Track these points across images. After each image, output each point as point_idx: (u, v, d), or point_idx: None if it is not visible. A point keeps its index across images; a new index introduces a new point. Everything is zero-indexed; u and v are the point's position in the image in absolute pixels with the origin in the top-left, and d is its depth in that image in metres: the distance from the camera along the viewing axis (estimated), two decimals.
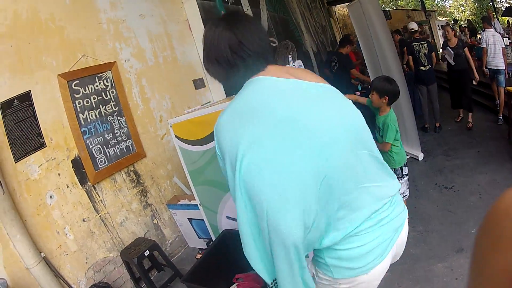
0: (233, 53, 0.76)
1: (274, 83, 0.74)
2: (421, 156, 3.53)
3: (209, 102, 2.55)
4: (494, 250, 0.28)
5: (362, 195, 0.74)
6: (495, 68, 4.25)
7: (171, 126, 1.91)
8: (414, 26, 4.17)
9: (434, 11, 16.75)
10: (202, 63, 0.87)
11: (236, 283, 1.85)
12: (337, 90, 0.85)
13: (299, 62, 2.03)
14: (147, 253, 2.06)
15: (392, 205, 0.82)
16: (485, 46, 4.29)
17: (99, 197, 2.02)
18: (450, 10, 19.64)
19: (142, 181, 2.29)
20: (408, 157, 3.57)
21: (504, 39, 5.66)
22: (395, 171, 2.26)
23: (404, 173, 2.32)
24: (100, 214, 2.01)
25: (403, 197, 2.23)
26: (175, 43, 2.72)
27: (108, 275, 1.97)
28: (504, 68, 4.26)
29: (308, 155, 0.67)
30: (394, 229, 0.82)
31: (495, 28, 4.90)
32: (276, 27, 4.98)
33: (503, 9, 10.48)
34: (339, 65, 4.27)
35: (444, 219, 2.48)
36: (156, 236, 2.31)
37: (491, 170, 3.08)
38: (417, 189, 2.90)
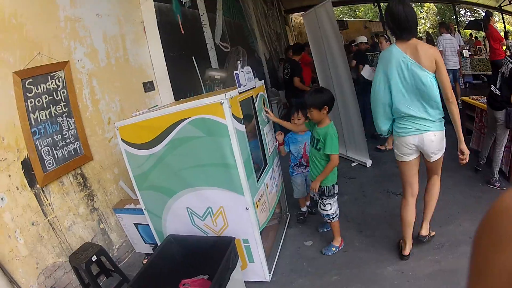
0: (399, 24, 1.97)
1: (397, 50, 2.00)
2: (369, 163, 4.23)
3: (157, 105, 2.88)
4: (494, 250, 0.30)
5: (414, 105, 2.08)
6: (453, 68, 5.66)
7: (117, 129, 2.19)
8: (363, 39, 5.18)
9: None
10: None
11: None
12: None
13: (247, 69, 2.45)
14: (94, 258, 2.35)
15: (415, 120, 2.13)
16: (441, 49, 5.57)
17: (47, 200, 2.29)
18: None
19: (89, 185, 2.57)
20: (355, 163, 4.29)
21: (464, 51, 7.51)
22: (327, 189, 2.49)
23: (335, 192, 2.55)
24: (48, 218, 2.28)
25: (336, 216, 2.60)
26: (129, 45, 3.06)
27: (59, 281, 2.26)
28: (459, 67, 5.85)
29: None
30: (417, 128, 2.14)
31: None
32: (230, 32, 5.70)
33: (467, 22, 12.59)
34: (291, 72, 4.89)
35: (393, 224, 2.96)
36: (103, 241, 2.61)
37: (442, 177, 3.73)
38: (364, 195, 3.51)
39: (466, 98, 4.41)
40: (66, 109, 2.54)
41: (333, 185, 2.52)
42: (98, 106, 2.76)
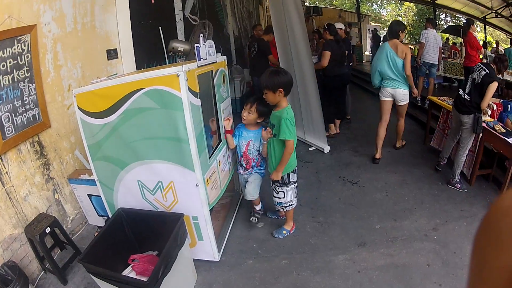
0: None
1: (387, 44, 4.14)
2: (327, 149, 4.61)
3: (116, 74, 3.09)
4: (494, 250, 0.33)
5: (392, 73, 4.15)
6: (431, 62, 6.46)
7: (74, 96, 2.41)
8: (341, 26, 5.74)
9: (368, 15, 21.96)
10: None
11: (132, 264, 2.39)
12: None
13: (210, 42, 2.66)
14: (48, 230, 2.63)
15: (392, 81, 4.19)
16: (423, 41, 6.40)
17: (5, 168, 2.54)
18: (385, 18, 25.52)
19: (45, 153, 2.85)
20: (313, 148, 4.65)
21: None
22: (282, 178, 2.70)
23: (291, 180, 2.75)
24: (5, 187, 2.53)
25: (289, 206, 2.85)
26: (97, 10, 3.32)
27: (15, 254, 2.54)
28: (437, 63, 6.64)
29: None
30: (393, 85, 4.16)
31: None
32: (201, 5, 6.29)
33: (445, 26, 14.37)
34: (258, 50, 5.28)
35: (347, 213, 3.36)
36: (58, 212, 2.91)
37: (401, 171, 4.13)
38: (319, 180, 3.80)
39: (434, 98, 4.82)
40: (29, 74, 2.78)
41: (288, 174, 2.73)
42: (60, 72, 3.01)
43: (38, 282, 2.65)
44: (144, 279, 2.07)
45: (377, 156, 4.36)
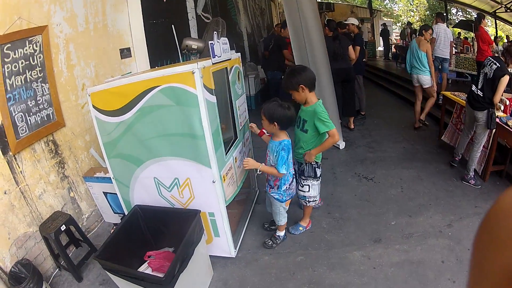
0: None
1: (414, 41, 5.35)
2: (342, 145, 4.57)
3: (130, 72, 3.08)
4: (494, 250, 0.33)
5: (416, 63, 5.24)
6: (442, 56, 6.55)
7: (89, 95, 2.40)
8: (354, 21, 5.82)
9: (380, 10, 21.91)
10: None
11: (148, 261, 2.38)
12: None
13: (224, 40, 2.66)
14: (63, 228, 2.61)
15: (415, 69, 5.26)
16: (434, 36, 6.36)
17: (19, 168, 2.54)
18: (397, 13, 25.64)
19: (60, 152, 2.83)
20: None
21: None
22: (306, 168, 2.70)
23: (316, 175, 2.74)
24: (20, 186, 2.53)
25: (312, 201, 2.82)
26: (108, 10, 3.30)
27: (30, 252, 2.54)
28: (449, 57, 6.74)
29: None
30: (417, 72, 5.23)
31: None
32: (213, 3, 6.28)
33: (457, 21, 14.33)
34: (274, 45, 5.34)
35: (362, 209, 3.31)
36: (73, 210, 2.90)
37: (416, 167, 4.10)
38: (335, 177, 3.77)
39: (448, 93, 4.75)
40: (41, 74, 2.78)
41: (315, 168, 2.72)
42: (73, 72, 3.00)
43: (52, 280, 2.65)
44: (160, 275, 2.06)
45: (416, 125, 5.39)
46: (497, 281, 0.32)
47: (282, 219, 2.74)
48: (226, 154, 2.52)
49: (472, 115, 3.50)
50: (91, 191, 3.00)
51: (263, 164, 2.56)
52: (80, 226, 2.91)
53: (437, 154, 4.45)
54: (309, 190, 2.77)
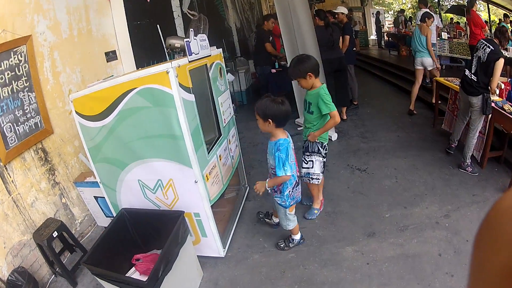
0: None
1: (416, 27, 5.73)
2: (334, 137, 4.49)
3: (112, 76, 3.03)
4: (494, 250, 0.32)
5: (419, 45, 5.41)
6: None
7: (71, 101, 2.38)
8: (344, 10, 5.71)
9: None
10: None
11: (135, 264, 2.36)
12: None
13: (202, 36, 2.60)
14: (55, 234, 2.61)
15: (420, 53, 5.43)
16: (419, 23, 6.19)
17: (10, 177, 2.54)
18: (389, 1, 24.71)
19: (49, 159, 2.82)
20: None
21: (442, 33, 8.28)
22: (311, 145, 2.75)
23: (322, 151, 2.78)
24: (12, 196, 2.53)
25: (315, 179, 2.82)
26: (92, 15, 3.27)
27: (25, 259, 2.55)
28: (435, 42, 6.74)
29: None
30: (421, 55, 5.42)
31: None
32: (199, 0, 6.27)
33: (449, 7, 13.85)
34: (257, 39, 5.27)
35: (355, 201, 3.18)
36: (66, 216, 2.89)
37: (410, 156, 3.96)
38: (327, 169, 3.74)
39: (441, 79, 4.63)
40: (28, 83, 2.78)
41: (318, 146, 2.74)
42: (59, 79, 2.99)
43: (49, 286, 2.64)
44: (145, 278, 2.03)
45: (411, 107, 5.42)
46: (497, 282, 0.31)
47: (289, 223, 2.56)
48: (208, 152, 2.46)
49: (466, 101, 3.35)
50: (82, 196, 2.99)
51: (268, 179, 2.41)
52: (74, 231, 2.91)
53: (433, 141, 4.28)
54: (313, 166, 2.78)
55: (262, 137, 5.11)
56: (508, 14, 9.80)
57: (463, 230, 2.64)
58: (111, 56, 3.60)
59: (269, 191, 2.45)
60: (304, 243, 2.66)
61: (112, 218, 2.87)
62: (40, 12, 2.84)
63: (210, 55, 2.68)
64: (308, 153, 2.78)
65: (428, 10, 6.64)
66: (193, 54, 2.36)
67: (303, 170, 2.81)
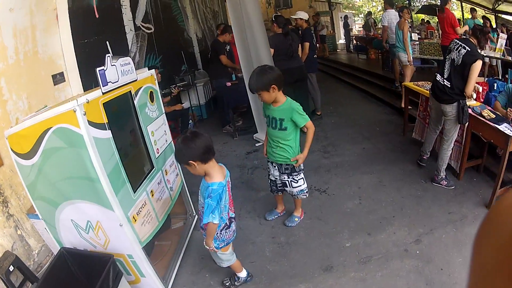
0: None
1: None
2: None
3: (46, 106, 2.83)
4: (494, 250, 0.32)
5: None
6: (394, 43, 6.04)
7: (6, 138, 2.18)
8: (303, 15, 5.27)
9: (340, 3, 20.98)
10: None
11: None
12: None
13: (124, 60, 2.26)
14: (11, 268, 2.53)
15: (396, 48, 5.70)
16: (386, 24, 6.30)
17: None
18: (358, 4, 24.35)
19: (2, 191, 2.77)
20: None
21: (412, 34, 7.69)
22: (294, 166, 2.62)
23: (301, 167, 2.67)
24: None
25: (306, 192, 2.75)
26: (39, 36, 3.10)
27: None
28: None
29: None
30: (396, 50, 5.77)
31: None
32: (155, 12, 5.86)
33: (420, 7, 13.87)
34: (212, 51, 4.98)
35: (312, 229, 2.78)
36: (23, 247, 2.80)
37: (377, 171, 3.50)
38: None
39: (410, 84, 4.12)
40: None
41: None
42: (6, 108, 2.85)
43: None
44: None
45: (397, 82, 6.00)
46: (497, 283, 0.30)
47: (222, 262, 2.27)
48: (135, 191, 2.22)
49: (438, 109, 2.85)
50: (36, 227, 2.90)
51: (204, 239, 2.15)
52: (32, 262, 2.85)
53: (402, 152, 3.77)
54: (304, 183, 2.68)
55: (216, 155, 4.86)
56: (476, 8, 9.34)
57: (436, 257, 2.26)
58: (58, 78, 3.37)
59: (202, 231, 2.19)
60: (252, 280, 2.37)
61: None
62: None
63: (136, 80, 2.38)
64: (295, 173, 2.65)
65: (393, 10, 6.51)
66: (109, 83, 2.10)
67: (295, 190, 2.69)
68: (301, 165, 2.63)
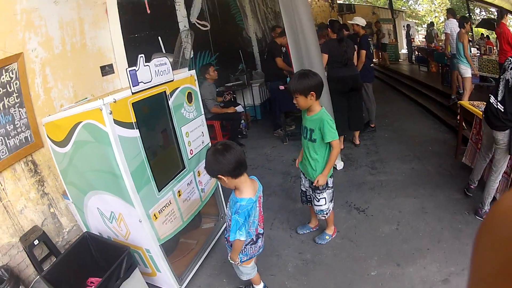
0: None
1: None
2: (340, 165, 3.87)
3: (86, 98, 2.94)
4: (494, 250, 0.32)
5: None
6: (455, 52, 5.74)
7: (43, 125, 2.35)
8: (360, 21, 4.95)
9: (403, 11, 20.70)
10: None
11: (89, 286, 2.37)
12: None
13: (160, 61, 2.30)
14: (36, 242, 2.73)
15: (457, 59, 5.44)
16: (448, 31, 6.08)
17: (1, 185, 2.69)
18: (421, 14, 24.12)
19: (39, 171, 2.91)
20: None
21: (472, 49, 7.41)
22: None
23: (329, 185, 2.54)
24: (3, 202, 2.70)
25: (326, 214, 2.59)
26: (87, 28, 3.21)
27: (13, 259, 2.73)
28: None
29: None
30: (456, 62, 5.49)
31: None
32: (212, 9, 5.80)
33: (480, 21, 12.57)
34: (268, 54, 4.78)
35: (341, 250, 2.62)
36: (54, 224, 2.99)
37: (421, 195, 3.21)
38: None
39: (466, 103, 3.63)
40: (18, 99, 2.85)
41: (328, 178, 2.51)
42: (50, 94, 3.01)
43: (33, 285, 2.79)
44: None
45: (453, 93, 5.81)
46: (497, 283, 0.30)
47: (243, 275, 2.18)
48: (160, 190, 2.27)
49: (490, 135, 2.58)
50: (70, 208, 3.07)
51: (229, 253, 2.06)
52: (61, 239, 3.03)
53: (452, 177, 3.45)
54: (325, 203, 2.54)
55: (263, 158, 4.72)
56: None
57: None
58: (107, 70, 3.51)
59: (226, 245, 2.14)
60: None
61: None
62: (31, 29, 2.85)
63: (172, 80, 2.41)
64: (318, 192, 2.52)
65: (455, 20, 6.07)
66: (140, 83, 2.14)
67: (316, 208, 2.60)
68: (329, 183, 2.50)
